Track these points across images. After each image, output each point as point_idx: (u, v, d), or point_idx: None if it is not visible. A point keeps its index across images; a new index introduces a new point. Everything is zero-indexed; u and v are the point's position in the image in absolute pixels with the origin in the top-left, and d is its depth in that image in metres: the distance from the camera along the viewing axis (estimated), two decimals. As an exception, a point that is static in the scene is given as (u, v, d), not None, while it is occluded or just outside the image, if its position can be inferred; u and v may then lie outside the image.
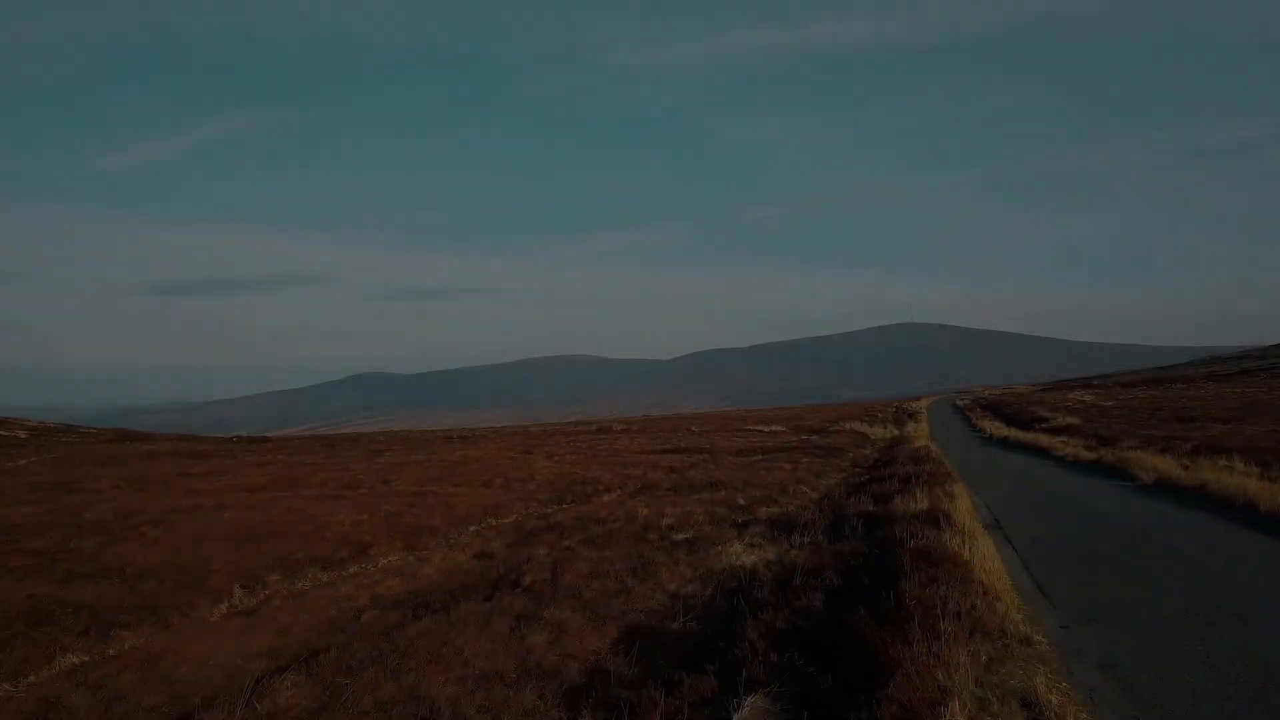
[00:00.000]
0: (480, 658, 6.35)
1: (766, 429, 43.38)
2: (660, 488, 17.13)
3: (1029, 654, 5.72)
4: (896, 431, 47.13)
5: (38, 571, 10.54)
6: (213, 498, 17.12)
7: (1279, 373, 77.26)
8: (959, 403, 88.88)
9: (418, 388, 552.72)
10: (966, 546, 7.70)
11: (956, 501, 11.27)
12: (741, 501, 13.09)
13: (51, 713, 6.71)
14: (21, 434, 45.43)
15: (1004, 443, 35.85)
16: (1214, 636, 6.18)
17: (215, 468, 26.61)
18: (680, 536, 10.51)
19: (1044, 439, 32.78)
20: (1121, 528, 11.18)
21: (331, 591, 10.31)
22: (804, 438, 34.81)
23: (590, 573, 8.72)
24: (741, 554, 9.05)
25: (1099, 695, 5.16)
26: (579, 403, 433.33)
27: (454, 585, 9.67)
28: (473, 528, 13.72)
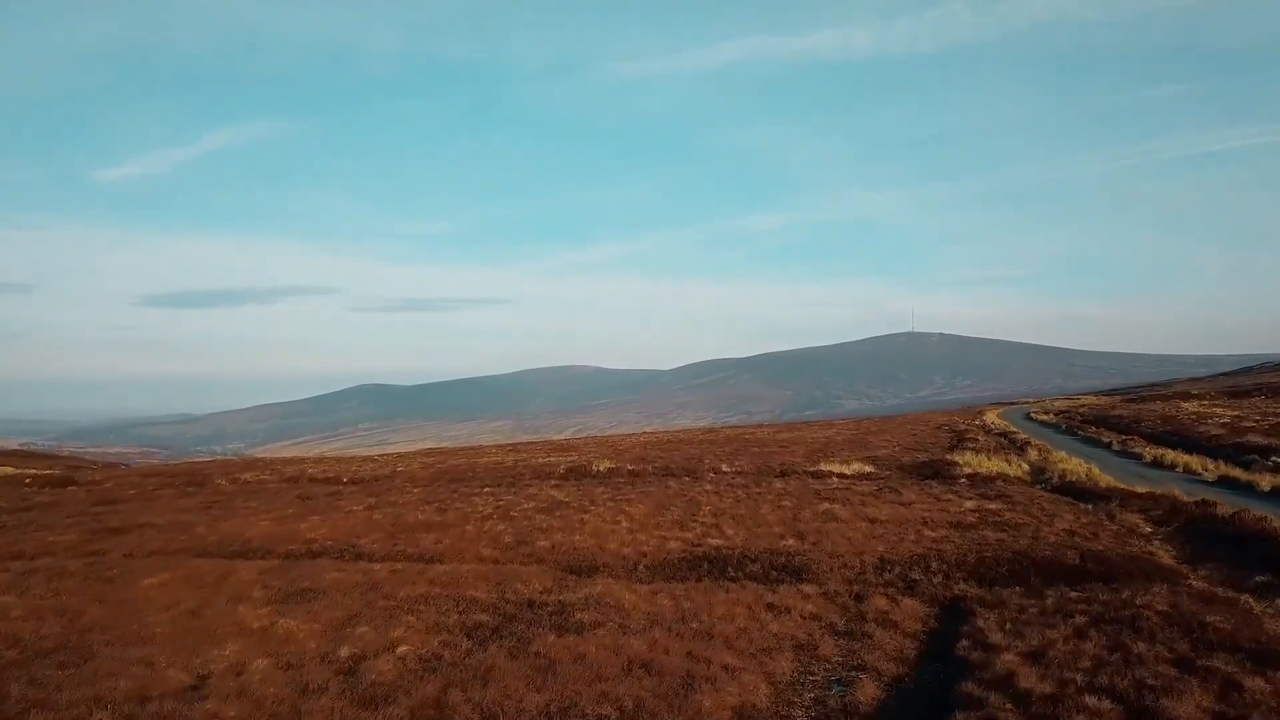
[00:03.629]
0: None
1: (847, 471, 25.94)
2: None
3: None
4: (1025, 465, 30.21)
5: None
6: None
7: None
8: (1037, 415, 71.42)
9: (418, 399, 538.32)
10: None
11: None
12: None
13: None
14: None
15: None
16: None
17: None
18: None
19: None
20: None
21: None
22: (974, 506, 17.23)
23: None
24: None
25: None
26: (579, 413, 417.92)
27: None
28: None
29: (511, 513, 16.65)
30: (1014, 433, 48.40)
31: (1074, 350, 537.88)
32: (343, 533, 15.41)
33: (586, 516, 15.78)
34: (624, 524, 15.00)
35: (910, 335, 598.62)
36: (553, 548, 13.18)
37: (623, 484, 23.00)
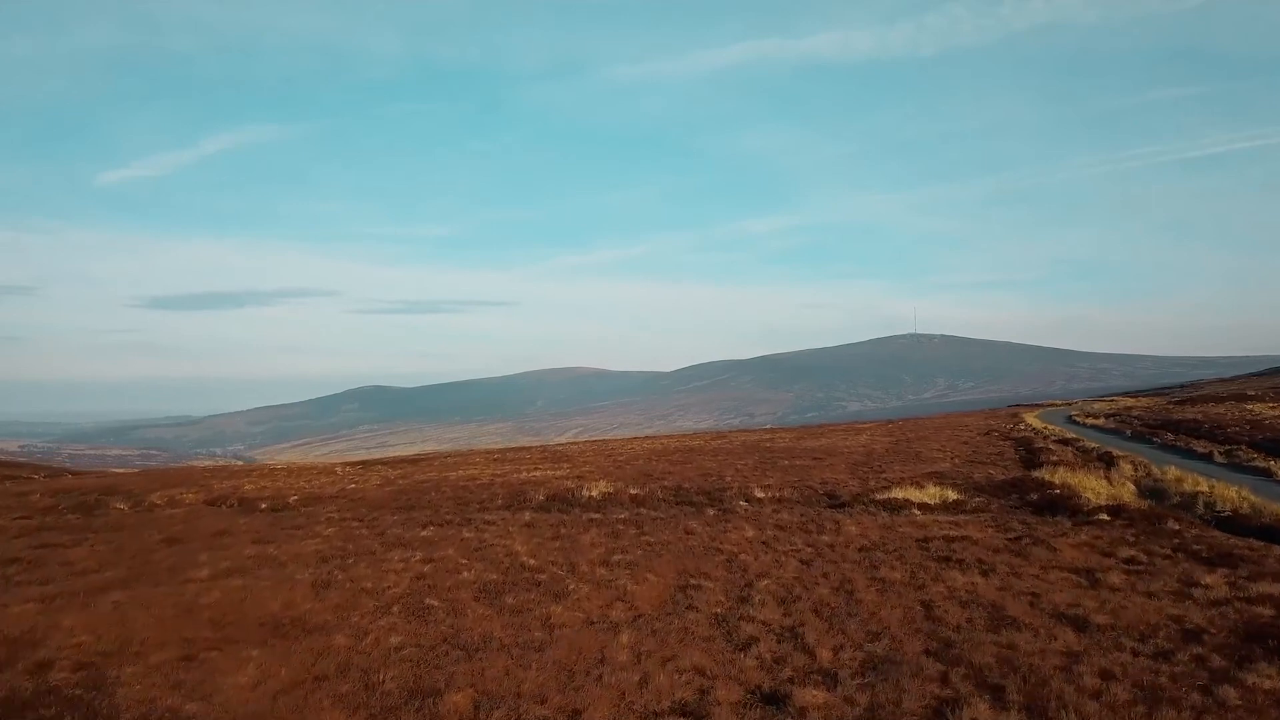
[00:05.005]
0: None
1: (927, 499, 19.02)
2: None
3: None
4: (1131, 486, 23.40)
5: None
6: None
7: None
8: (1080, 419, 64.46)
9: (418, 401, 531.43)
10: None
11: None
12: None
13: None
14: None
15: None
16: None
17: None
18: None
19: None
20: None
21: None
22: (1228, 590, 10.21)
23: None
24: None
25: None
26: (580, 415, 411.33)
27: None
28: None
29: (431, 598, 9.70)
30: (1076, 440, 41.49)
31: (1076, 352, 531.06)
32: (120, 637, 8.59)
33: (556, 610, 8.87)
34: (624, 632, 8.11)
35: (913, 337, 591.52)
36: (475, 709, 6.30)
37: (623, 522, 16.07)
